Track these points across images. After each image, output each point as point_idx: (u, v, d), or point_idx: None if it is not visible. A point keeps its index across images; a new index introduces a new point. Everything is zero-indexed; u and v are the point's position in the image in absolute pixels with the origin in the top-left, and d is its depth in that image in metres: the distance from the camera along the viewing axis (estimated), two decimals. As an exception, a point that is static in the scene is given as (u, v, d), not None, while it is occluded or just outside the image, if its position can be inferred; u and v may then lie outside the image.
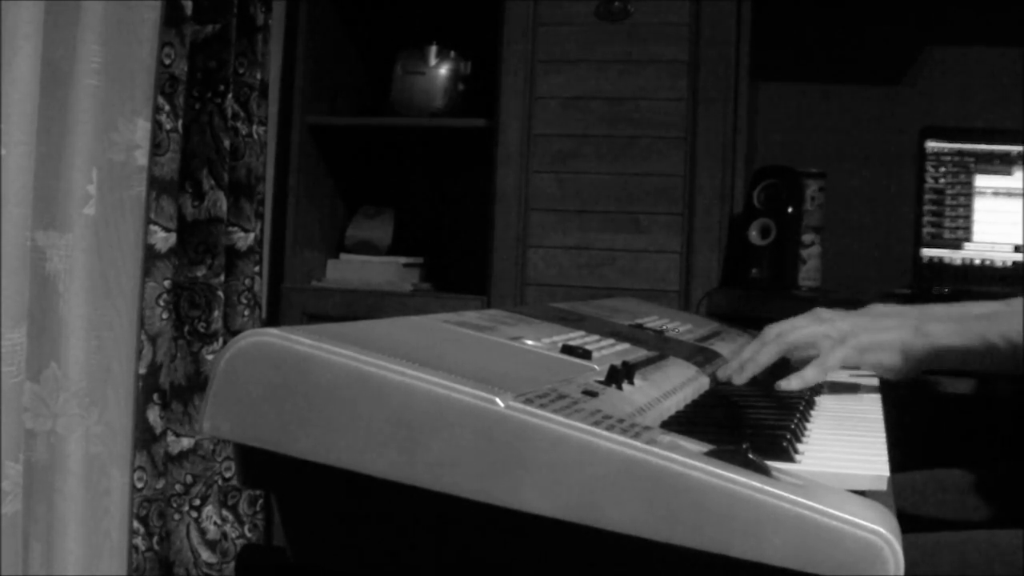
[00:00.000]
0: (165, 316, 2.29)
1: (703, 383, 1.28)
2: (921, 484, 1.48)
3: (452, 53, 2.71)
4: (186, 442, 2.37)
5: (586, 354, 1.05)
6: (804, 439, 1.00)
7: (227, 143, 2.42)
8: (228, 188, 2.44)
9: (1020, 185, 2.36)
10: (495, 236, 2.53)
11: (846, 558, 0.66)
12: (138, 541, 2.27)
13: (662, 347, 1.34)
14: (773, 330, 1.32)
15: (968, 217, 2.39)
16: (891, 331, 1.27)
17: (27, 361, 2.01)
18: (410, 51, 2.72)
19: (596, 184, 2.50)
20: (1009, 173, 2.36)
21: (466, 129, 2.65)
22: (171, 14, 2.27)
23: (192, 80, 2.35)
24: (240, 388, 0.77)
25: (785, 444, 0.89)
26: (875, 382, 1.44)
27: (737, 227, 2.50)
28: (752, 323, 2.10)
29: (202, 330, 2.39)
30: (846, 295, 2.39)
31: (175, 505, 2.36)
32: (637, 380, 1.03)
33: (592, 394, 0.89)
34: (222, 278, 2.44)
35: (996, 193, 2.38)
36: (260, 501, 2.54)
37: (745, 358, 1.31)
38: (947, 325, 1.26)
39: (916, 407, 1.38)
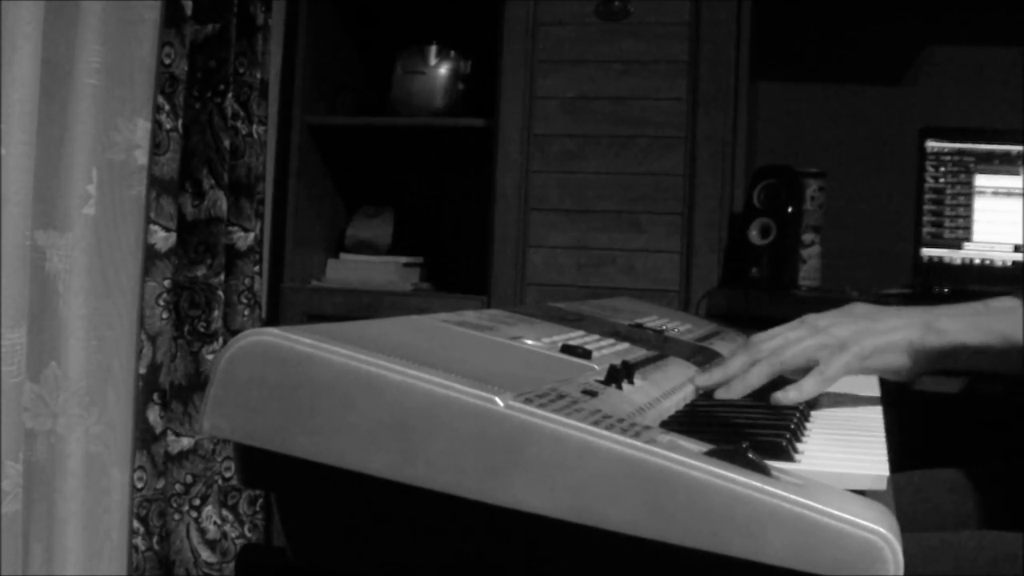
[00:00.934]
0: (165, 316, 2.29)
1: (703, 383, 1.28)
2: (921, 484, 1.48)
3: (452, 53, 2.71)
4: (186, 442, 2.37)
5: (586, 354, 1.05)
6: (804, 439, 1.00)
7: (227, 143, 2.42)
8: (228, 188, 2.44)
9: (1020, 185, 2.36)
10: (495, 236, 2.53)
11: (846, 558, 0.66)
12: (138, 541, 2.27)
13: (662, 347, 1.34)
14: (764, 344, 1.21)
15: (968, 217, 2.39)
16: (897, 332, 1.20)
17: (27, 361, 2.01)
18: (410, 51, 2.72)
19: (596, 184, 2.50)
20: (1009, 173, 2.36)
21: (466, 129, 2.65)
22: (171, 14, 2.27)
23: (192, 80, 2.35)
24: (240, 388, 0.77)
25: (785, 444, 0.89)
26: (875, 382, 1.44)
27: (737, 227, 2.50)
28: (752, 323, 2.10)
29: (202, 330, 2.39)
30: (845, 295, 2.40)
31: (175, 505, 2.36)
32: (637, 380, 1.03)
33: (592, 394, 0.89)
34: (222, 278, 2.44)
35: (996, 193, 2.38)
36: (260, 501, 2.54)
37: (732, 373, 1.20)
38: (961, 321, 1.19)
39: (915, 406, 1.37)
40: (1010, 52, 2.56)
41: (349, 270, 2.76)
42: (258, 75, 2.52)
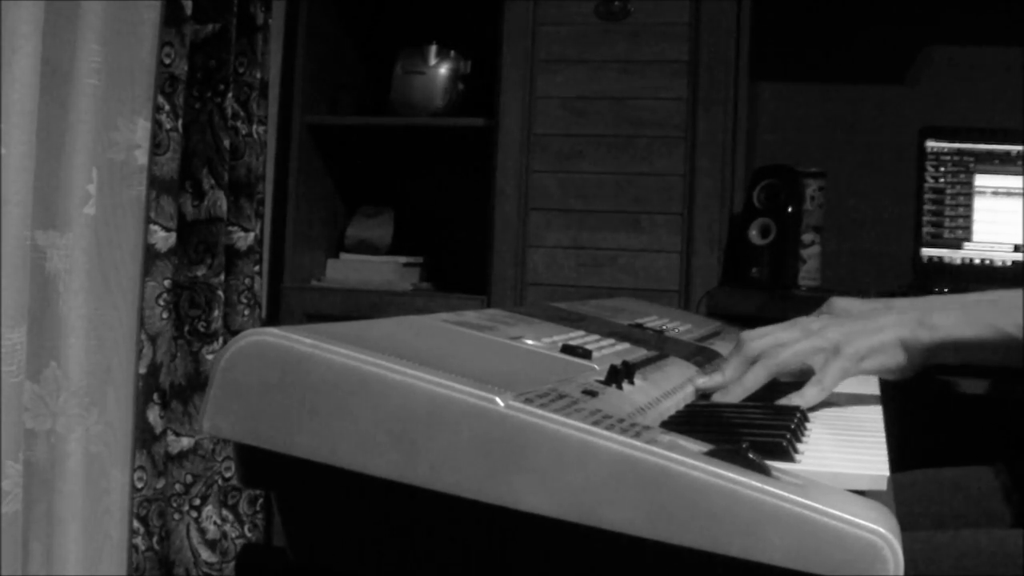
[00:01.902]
0: (165, 316, 2.29)
1: (703, 383, 1.28)
2: (922, 483, 1.48)
3: (452, 53, 2.71)
4: (186, 442, 2.37)
5: (586, 354, 1.05)
6: (804, 439, 1.00)
7: (227, 143, 2.42)
8: (228, 188, 2.44)
9: (1020, 185, 2.36)
10: (495, 236, 2.53)
11: (846, 558, 0.66)
12: (138, 541, 2.27)
13: (662, 347, 1.34)
14: (755, 344, 1.20)
15: (968, 217, 2.38)
16: (888, 330, 1.19)
17: (27, 361, 2.01)
18: (410, 51, 2.72)
19: (596, 184, 2.50)
20: (1009, 173, 2.36)
21: (466, 129, 2.66)
22: (171, 14, 2.27)
23: (192, 80, 2.36)
24: (240, 388, 0.77)
25: (785, 444, 0.89)
26: (875, 382, 1.44)
27: (737, 227, 2.50)
28: (752, 323, 2.10)
29: (202, 330, 2.39)
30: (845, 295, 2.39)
31: (175, 505, 2.36)
32: (637, 380, 1.03)
33: (592, 394, 0.89)
34: (222, 278, 2.44)
35: (996, 193, 2.38)
36: (260, 501, 2.54)
37: (728, 378, 1.20)
38: (953, 314, 1.18)
39: (917, 406, 1.37)
40: (1010, 52, 2.56)
41: (349, 270, 2.76)
42: (258, 75, 2.52)
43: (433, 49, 2.70)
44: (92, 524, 2.21)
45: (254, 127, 2.52)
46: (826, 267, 2.55)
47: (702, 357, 1.41)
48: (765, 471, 0.71)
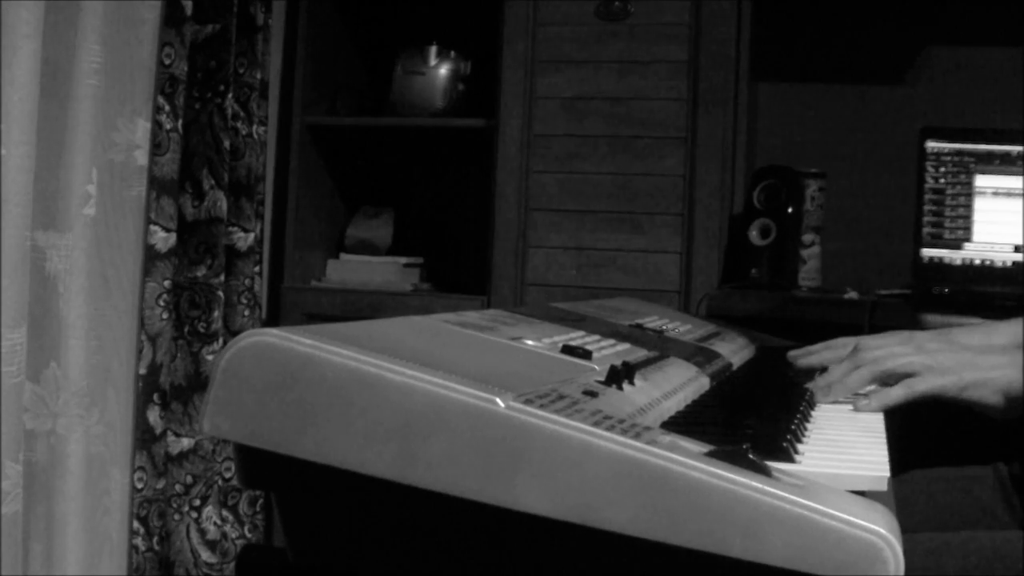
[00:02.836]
0: (165, 316, 2.29)
1: (703, 383, 1.28)
2: (922, 483, 1.48)
3: (452, 53, 2.71)
4: (186, 442, 2.37)
5: (586, 354, 1.05)
6: (804, 439, 1.00)
7: (227, 143, 2.42)
8: (228, 188, 2.44)
9: (1020, 185, 2.36)
10: (495, 236, 2.53)
11: (846, 558, 0.66)
12: (138, 541, 2.27)
13: (662, 347, 1.34)
14: (868, 353, 1.26)
15: (968, 217, 2.38)
16: (997, 370, 1.22)
17: (27, 361, 2.01)
18: (410, 51, 2.72)
19: (596, 184, 2.50)
20: (1009, 173, 2.36)
21: (466, 129, 2.66)
22: (171, 14, 2.27)
23: (192, 80, 2.36)
24: (240, 388, 0.77)
25: (785, 444, 0.89)
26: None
27: (737, 227, 2.50)
28: (752, 323, 2.10)
29: (202, 330, 2.39)
30: (846, 295, 2.40)
31: (175, 505, 2.36)
32: (637, 380, 1.03)
33: (592, 394, 0.89)
34: (222, 278, 2.44)
35: (996, 193, 2.38)
36: (260, 501, 2.54)
37: (833, 379, 1.26)
38: None
39: (917, 406, 1.37)
40: (1010, 52, 2.56)
41: (349, 270, 2.76)
42: (258, 75, 2.52)
43: (433, 49, 2.70)
44: (92, 524, 2.21)
45: (254, 127, 2.52)
46: (826, 267, 2.55)
47: (702, 357, 1.41)
48: (765, 472, 0.71)
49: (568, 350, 1.06)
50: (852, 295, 2.38)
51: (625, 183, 2.48)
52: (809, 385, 1.27)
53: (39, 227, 2.07)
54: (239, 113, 2.49)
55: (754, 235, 2.45)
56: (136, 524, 2.27)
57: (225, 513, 2.47)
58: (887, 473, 0.85)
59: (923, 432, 1.99)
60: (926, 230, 2.40)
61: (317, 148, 2.76)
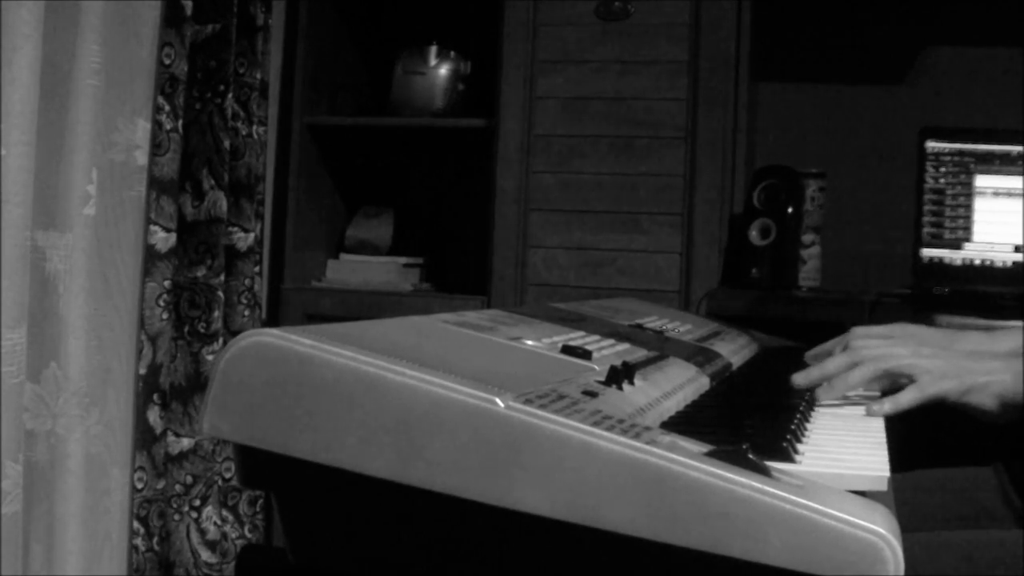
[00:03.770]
0: (165, 316, 2.29)
1: (703, 383, 1.28)
2: (922, 483, 1.48)
3: (452, 53, 2.71)
4: (186, 442, 2.37)
5: (586, 354, 1.05)
6: (804, 439, 1.00)
7: (227, 143, 2.42)
8: (228, 188, 2.44)
9: (1020, 185, 2.36)
10: (495, 236, 2.53)
11: (846, 558, 0.66)
12: (138, 541, 2.27)
13: (662, 347, 1.34)
14: (868, 350, 1.26)
15: (968, 217, 2.38)
16: (996, 375, 1.24)
17: (27, 361, 2.01)
18: (410, 51, 2.72)
19: (596, 184, 2.50)
20: (1009, 173, 2.36)
21: (466, 129, 2.65)
22: (171, 14, 2.27)
23: (192, 80, 2.35)
24: (240, 388, 0.77)
25: (785, 444, 0.89)
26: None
27: (737, 227, 2.50)
28: (752, 323, 2.10)
29: (202, 330, 2.39)
30: (846, 295, 2.40)
31: (175, 505, 2.36)
32: (637, 380, 1.03)
33: (592, 394, 0.89)
34: (222, 278, 2.44)
35: (996, 193, 2.38)
36: (260, 501, 2.54)
37: (829, 372, 1.25)
38: None
39: (920, 405, 1.37)
40: (1010, 52, 2.56)
41: (349, 270, 2.76)
42: (258, 75, 2.52)
43: (433, 49, 2.70)
44: (92, 524, 2.21)
45: (254, 127, 2.52)
46: (826, 267, 2.55)
47: (702, 357, 1.41)
48: (765, 472, 0.71)
49: (568, 350, 1.06)
50: (852, 295, 2.37)
51: (625, 183, 2.48)
52: (799, 380, 1.26)
53: (39, 227, 2.07)
54: (239, 113, 2.49)
55: (754, 235, 2.45)
56: (136, 524, 2.27)
57: (225, 513, 2.47)
58: (887, 473, 0.85)
59: (923, 432, 1.99)
60: (926, 230, 2.40)
61: (317, 148, 2.76)
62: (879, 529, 0.66)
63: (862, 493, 0.77)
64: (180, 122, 2.30)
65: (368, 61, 2.92)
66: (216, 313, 2.41)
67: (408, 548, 0.78)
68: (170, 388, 2.33)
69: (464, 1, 2.78)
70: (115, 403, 2.25)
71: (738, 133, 2.51)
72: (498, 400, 0.73)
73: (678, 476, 0.69)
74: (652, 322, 1.59)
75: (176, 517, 2.36)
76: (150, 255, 2.27)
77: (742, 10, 2.47)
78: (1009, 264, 2.36)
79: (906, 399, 1.22)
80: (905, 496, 1.43)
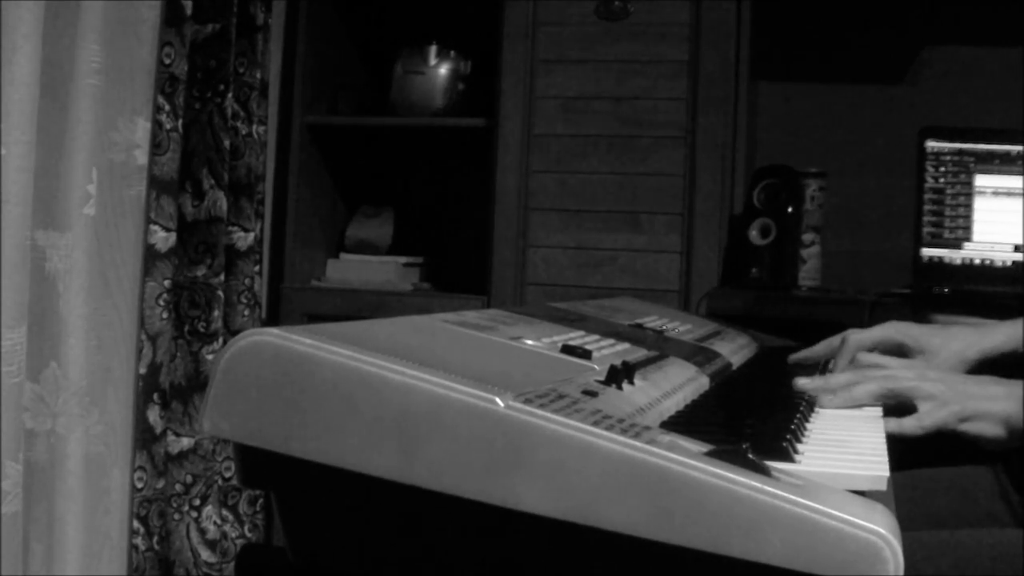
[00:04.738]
0: (165, 316, 2.29)
1: (703, 383, 1.28)
2: (922, 483, 1.48)
3: (452, 53, 2.71)
4: (186, 442, 2.37)
5: (586, 354, 1.05)
6: (804, 439, 1.00)
7: (227, 143, 2.42)
8: (228, 188, 2.44)
9: (1020, 185, 2.36)
10: (495, 236, 2.53)
11: (846, 558, 0.66)
12: (138, 541, 2.27)
13: (662, 347, 1.34)
14: (873, 370, 1.29)
15: (968, 217, 2.38)
16: (998, 401, 1.24)
17: (27, 361, 2.01)
18: (410, 51, 2.72)
19: (596, 184, 2.50)
20: (1009, 173, 2.36)
21: (466, 129, 2.65)
22: (171, 14, 2.27)
23: (192, 80, 2.35)
24: (240, 388, 0.77)
25: (785, 444, 0.89)
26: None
27: (737, 227, 2.50)
28: (752, 323, 2.10)
29: (202, 330, 2.39)
30: (846, 295, 2.40)
31: (175, 505, 2.36)
32: (637, 380, 1.03)
33: (592, 394, 0.89)
34: (222, 278, 2.44)
35: (996, 193, 2.38)
36: (260, 501, 2.54)
37: (837, 384, 1.27)
38: None
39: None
40: (1010, 52, 2.56)
41: (349, 270, 2.76)
42: (258, 75, 2.52)
43: (433, 49, 2.70)
44: (92, 524, 2.21)
45: (254, 127, 2.52)
46: (826, 267, 2.55)
47: (702, 357, 1.41)
48: (765, 471, 0.71)
49: (568, 350, 1.06)
50: (852, 295, 2.37)
51: (625, 183, 2.48)
52: (804, 384, 1.28)
53: (39, 227, 2.07)
54: (239, 113, 2.49)
55: (754, 235, 2.45)
56: (136, 524, 2.27)
57: (225, 513, 2.47)
58: (887, 473, 0.85)
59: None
60: (926, 230, 2.40)
61: (317, 148, 2.76)
62: (879, 529, 0.66)
63: (862, 493, 0.77)
64: (180, 122, 2.30)
65: (368, 61, 2.92)
66: (216, 313, 2.41)
67: (408, 548, 0.78)
68: (170, 388, 2.33)
69: (464, 1, 2.78)
70: (115, 402, 2.25)
71: (738, 133, 2.51)
72: (498, 400, 0.73)
73: (678, 476, 0.69)
74: (652, 322, 1.59)
75: (176, 516, 2.36)
76: (150, 255, 2.27)
77: (742, 10, 2.47)
78: (1009, 264, 2.36)
79: (909, 427, 1.23)
80: (905, 496, 1.43)
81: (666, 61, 2.46)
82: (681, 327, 1.64)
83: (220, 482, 2.46)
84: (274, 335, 0.77)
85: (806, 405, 1.18)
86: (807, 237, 2.50)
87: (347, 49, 2.87)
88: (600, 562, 0.72)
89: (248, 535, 2.50)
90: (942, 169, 2.39)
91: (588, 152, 2.50)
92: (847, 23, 2.64)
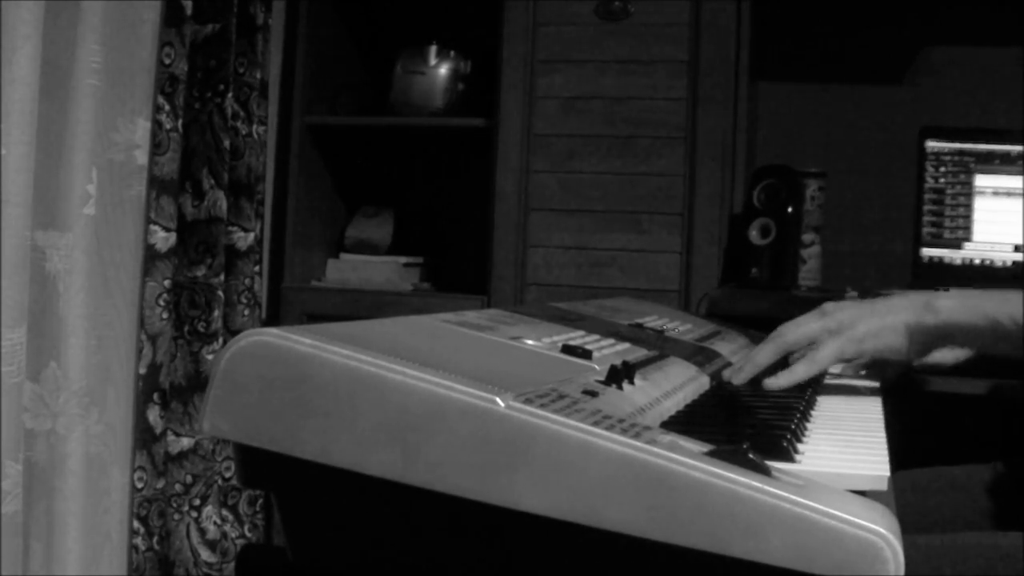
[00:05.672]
0: (165, 316, 2.29)
1: (703, 383, 1.28)
2: (922, 483, 1.48)
3: (452, 53, 2.71)
4: (186, 442, 2.37)
5: (586, 354, 1.05)
6: (804, 439, 1.00)
7: (227, 143, 2.42)
8: (228, 188, 2.44)
9: (1020, 185, 2.36)
10: (495, 236, 2.53)
11: (846, 558, 0.66)
12: (138, 541, 2.27)
13: (662, 347, 1.34)
14: (778, 328, 1.29)
15: (968, 217, 2.39)
16: (897, 313, 1.22)
17: (27, 361, 2.01)
18: (410, 51, 2.72)
19: (596, 184, 2.50)
20: (1009, 173, 2.36)
21: (466, 129, 2.65)
22: (171, 14, 2.27)
23: (192, 80, 2.36)
24: (240, 388, 0.77)
25: (785, 444, 0.89)
26: (875, 383, 1.44)
27: (737, 227, 2.50)
28: (752, 323, 2.10)
29: (202, 330, 2.39)
30: (846, 295, 2.40)
31: (175, 505, 2.36)
32: (637, 380, 1.03)
33: (592, 394, 0.89)
34: (222, 278, 2.44)
35: (996, 193, 2.38)
36: (260, 501, 2.54)
37: (746, 358, 1.29)
38: (955, 301, 1.22)
39: (917, 406, 1.38)
40: (1010, 52, 2.56)
41: (349, 270, 2.75)
42: (258, 75, 2.52)
43: (433, 49, 2.70)
44: (92, 524, 2.21)
45: (254, 127, 2.52)
46: (826, 267, 2.55)
47: (702, 357, 1.41)
48: (765, 471, 0.71)
49: (568, 350, 1.06)
50: (852, 295, 2.37)
51: (625, 183, 2.48)
52: (724, 373, 1.27)
53: (39, 227, 2.07)
54: (239, 113, 2.49)
55: (754, 235, 2.45)
56: (136, 524, 2.27)
57: (225, 513, 2.47)
58: (887, 473, 0.85)
59: (923, 432, 1.99)
60: (926, 230, 2.40)
61: (317, 148, 2.76)
62: (879, 529, 0.66)
63: (862, 493, 0.77)
64: (180, 122, 2.30)
65: (368, 61, 2.92)
66: (216, 313, 2.41)
67: (408, 548, 0.78)
68: (170, 387, 2.33)
69: (464, 1, 2.78)
70: (115, 402, 2.25)
71: (738, 133, 2.51)
72: (498, 400, 0.73)
73: (678, 476, 0.69)
74: (652, 322, 1.59)
75: (176, 516, 2.36)
76: (150, 255, 2.27)
77: (742, 10, 2.47)
78: (1009, 264, 2.36)
79: (800, 372, 1.21)
80: (905, 496, 1.43)
81: (666, 61, 2.46)
82: (681, 327, 1.64)
83: (220, 482, 2.46)
84: (274, 335, 0.77)
85: (806, 404, 1.18)
86: (807, 237, 2.50)
87: (347, 49, 2.87)
88: (600, 562, 0.72)
89: (248, 535, 2.50)
90: (942, 169, 2.39)
91: (588, 152, 2.50)
92: (847, 23, 2.64)
